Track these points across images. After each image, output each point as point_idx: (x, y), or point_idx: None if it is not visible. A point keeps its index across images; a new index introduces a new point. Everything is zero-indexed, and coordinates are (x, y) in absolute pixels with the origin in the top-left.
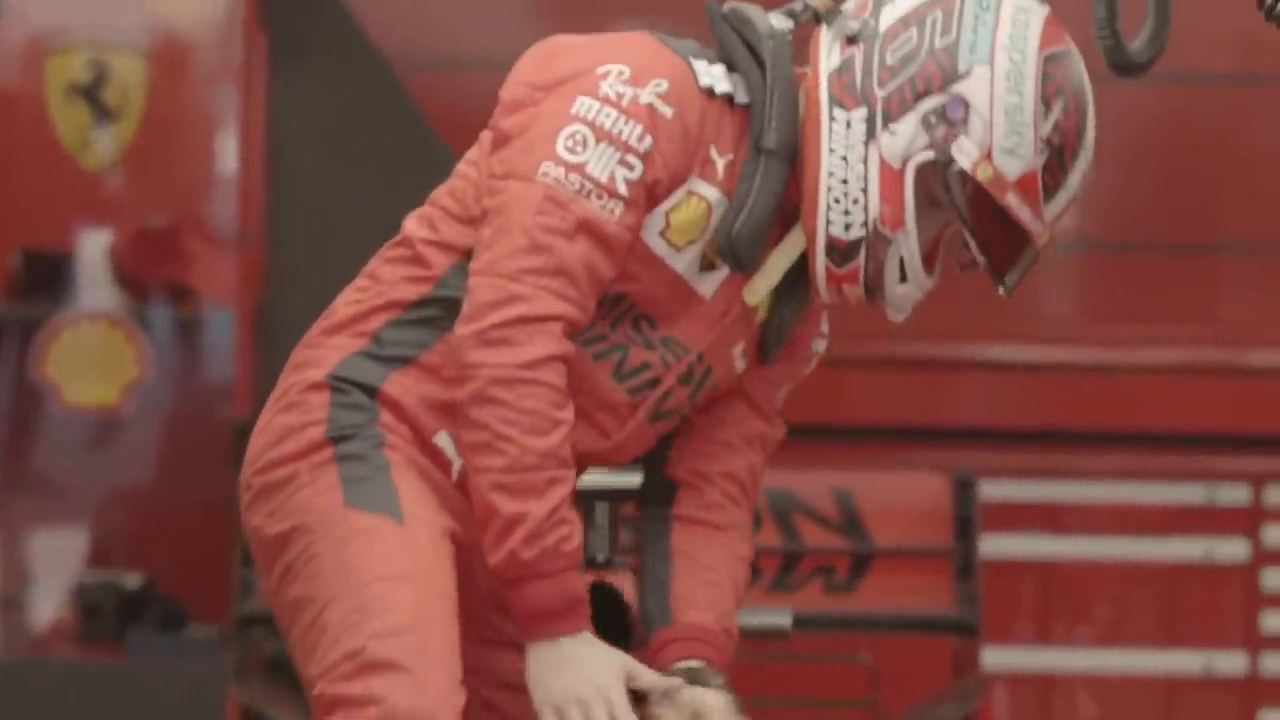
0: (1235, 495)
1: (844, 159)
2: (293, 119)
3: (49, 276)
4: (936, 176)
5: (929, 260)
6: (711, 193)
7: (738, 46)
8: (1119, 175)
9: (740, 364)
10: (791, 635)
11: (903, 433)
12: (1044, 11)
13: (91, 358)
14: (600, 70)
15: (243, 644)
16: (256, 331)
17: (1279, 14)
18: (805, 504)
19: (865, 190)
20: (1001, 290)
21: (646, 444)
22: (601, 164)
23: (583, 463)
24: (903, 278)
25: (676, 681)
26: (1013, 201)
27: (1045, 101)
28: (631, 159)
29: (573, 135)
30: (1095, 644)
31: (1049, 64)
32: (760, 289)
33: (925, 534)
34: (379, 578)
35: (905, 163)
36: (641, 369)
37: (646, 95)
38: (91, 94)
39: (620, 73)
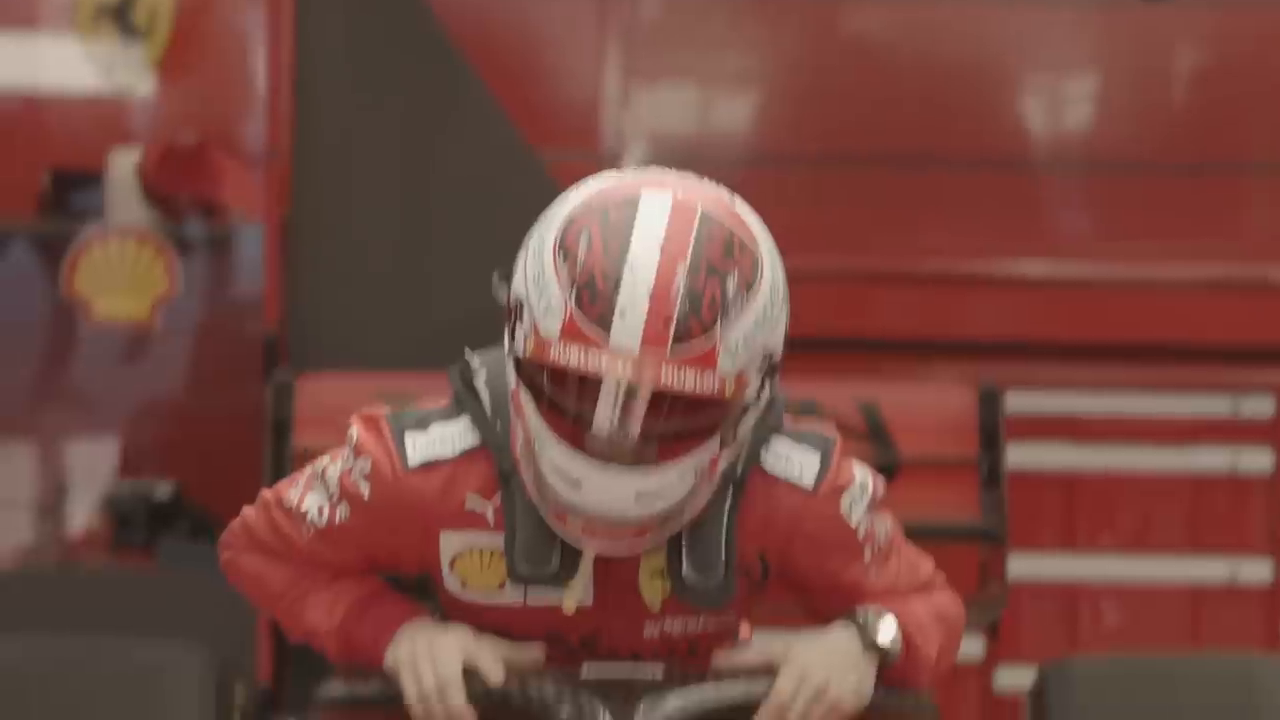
0: (1259, 407)
1: None
2: (320, 36)
3: (79, 194)
4: (533, 384)
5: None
6: (484, 539)
7: (466, 398)
8: (1144, 96)
9: (678, 627)
10: None
11: (928, 345)
12: (611, 178)
13: (122, 273)
14: (350, 431)
15: None
16: (285, 245)
17: None
18: (831, 414)
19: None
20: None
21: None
22: (313, 499)
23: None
24: (575, 484)
25: (516, 656)
26: (557, 354)
27: (565, 250)
28: (325, 507)
29: (307, 472)
30: (1120, 553)
31: (576, 215)
32: (573, 592)
33: (951, 445)
34: None
35: (517, 383)
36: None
37: (353, 468)
38: (120, 14)
39: (351, 439)
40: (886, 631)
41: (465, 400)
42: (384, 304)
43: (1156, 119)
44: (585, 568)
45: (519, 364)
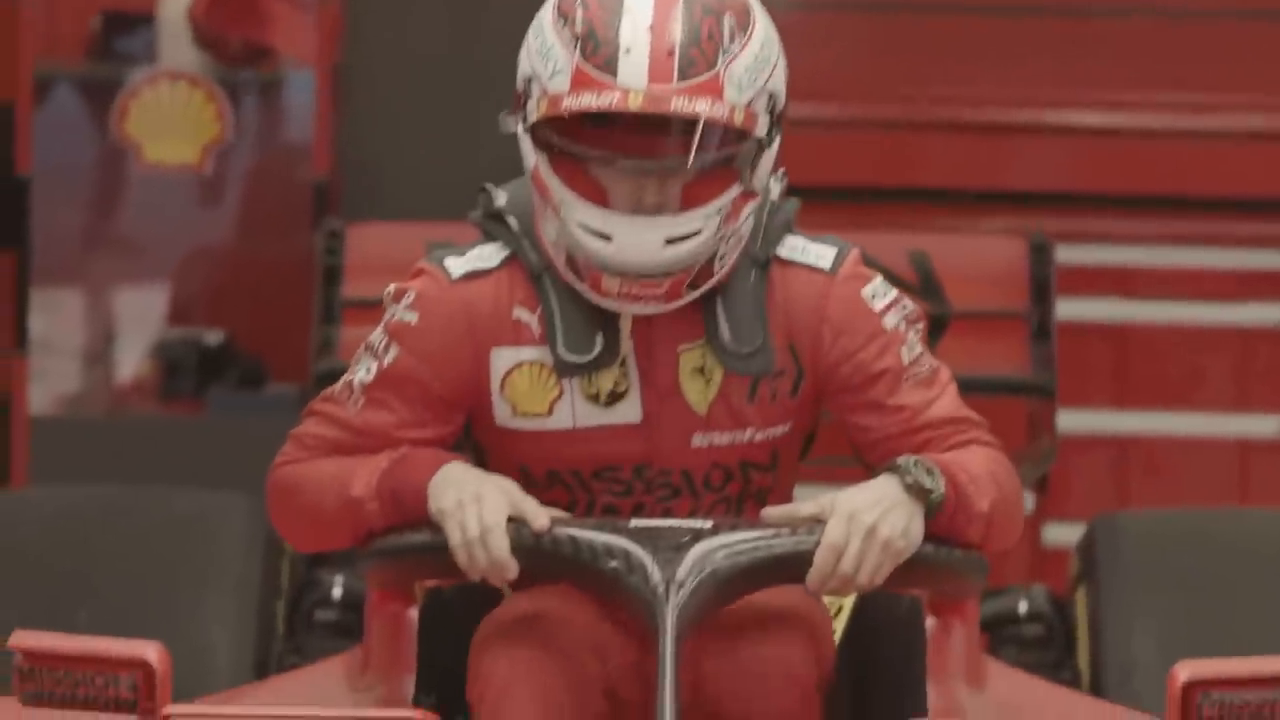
0: None
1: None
2: None
3: (128, 37)
4: (551, 148)
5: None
6: (533, 353)
7: (489, 223)
8: None
9: (726, 439)
10: None
11: (978, 196)
12: None
13: (172, 117)
14: (386, 290)
15: None
16: (336, 92)
17: None
18: (881, 265)
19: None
20: (690, 163)
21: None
22: (360, 369)
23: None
24: (606, 238)
25: (560, 513)
26: (572, 103)
27: (564, 16)
28: (372, 365)
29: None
30: (1169, 409)
31: None
32: (611, 372)
33: (1001, 297)
34: None
35: (534, 159)
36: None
37: (396, 311)
38: None
39: (389, 293)
40: (928, 475)
41: (490, 225)
42: (435, 152)
43: None
44: (624, 328)
45: (535, 133)
